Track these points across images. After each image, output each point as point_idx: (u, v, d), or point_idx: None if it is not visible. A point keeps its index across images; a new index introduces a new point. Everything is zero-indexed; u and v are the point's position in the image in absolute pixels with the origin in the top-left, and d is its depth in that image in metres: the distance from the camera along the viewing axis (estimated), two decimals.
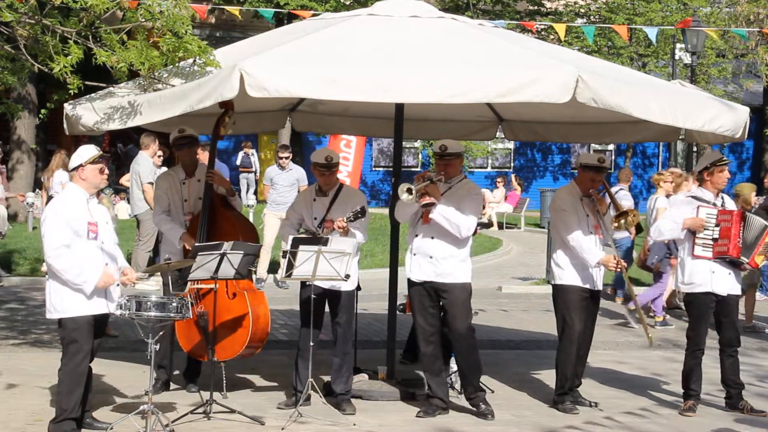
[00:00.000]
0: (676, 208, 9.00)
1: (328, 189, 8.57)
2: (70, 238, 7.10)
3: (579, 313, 8.72)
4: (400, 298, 9.51)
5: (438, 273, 8.28)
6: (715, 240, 8.67)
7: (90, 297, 7.18)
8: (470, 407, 8.40)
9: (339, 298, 8.42)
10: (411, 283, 8.42)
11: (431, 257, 8.28)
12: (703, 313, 8.72)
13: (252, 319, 8.42)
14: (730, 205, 8.91)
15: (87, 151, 7.33)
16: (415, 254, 8.35)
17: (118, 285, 7.37)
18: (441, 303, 8.34)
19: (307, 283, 8.22)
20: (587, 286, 8.74)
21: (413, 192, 7.96)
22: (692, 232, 8.73)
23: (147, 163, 14.40)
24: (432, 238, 8.27)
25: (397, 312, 9.36)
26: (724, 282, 8.70)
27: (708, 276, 8.68)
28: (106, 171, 7.42)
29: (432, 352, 8.37)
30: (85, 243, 7.16)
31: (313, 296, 8.18)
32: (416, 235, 8.33)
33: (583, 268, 8.70)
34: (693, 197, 8.90)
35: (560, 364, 8.77)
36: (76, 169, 7.31)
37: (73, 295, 7.16)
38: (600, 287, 8.89)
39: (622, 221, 8.76)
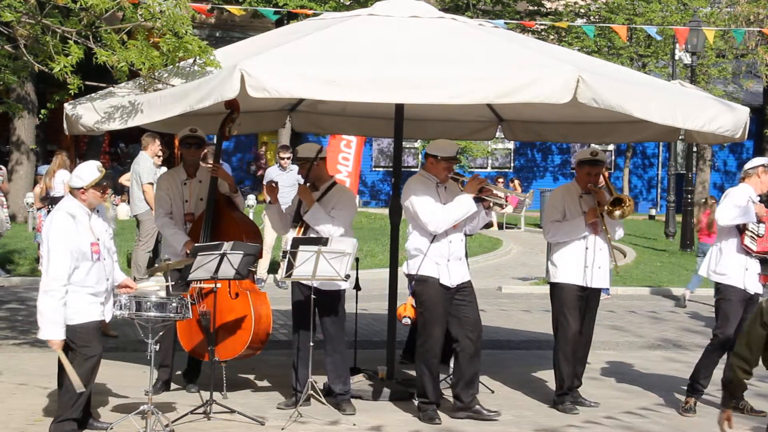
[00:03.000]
0: (735, 200, 8.80)
1: (320, 184, 8.53)
2: (71, 268, 7.06)
3: (573, 311, 8.72)
4: (402, 298, 9.49)
5: (465, 272, 8.34)
6: (760, 236, 8.68)
7: (96, 304, 7.21)
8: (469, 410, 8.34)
9: (325, 298, 8.37)
10: (445, 289, 8.16)
11: (460, 259, 8.28)
12: (734, 310, 8.67)
13: (254, 319, 8.42)
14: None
15: (90, 174, 7.20)
16: (449, 260, 8.18)
17: (112, 292, 7.39)
18: (464, 302, 8.25)
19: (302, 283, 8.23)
20: (582, 283, 8.73)
21: None
22: (737, 226, 8.70)
23: (147, 163, 14.40)
24: (461, 240, 8.31)
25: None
26: (755, 281, 8.71)
27: (741, 272, 8.67)
28: (109, 190, 7.40)
29: (441, 354, 8.35)
30: (88, 263, 7.15)
31: (303, 297, 8.23)
32: (450, 241, 8.19)
33: (578, 265, 8.70)
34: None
35: (557, 363, 8.78)
36: (77, 188, 7.24)
37: (81, 302, 7.15)
38: (597, 285, 8.86)
39: (617, 213, 8.67)
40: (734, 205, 8.66)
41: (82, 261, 7.11)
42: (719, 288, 8.78)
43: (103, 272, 7.27)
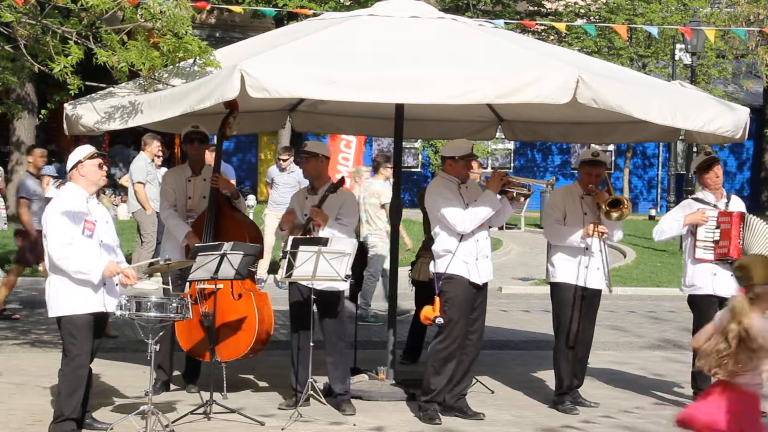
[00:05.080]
0: (678, 209, 9.05)
1: (319, 186, 8.54)
2: (71, 235, 7.09)
3: (572, 311, 8.71)
4: (402, 298, 9.48)
5: (491, 270, 8.41)
6: (716, 242, 8.67)
7: (90, 294, 7.13)
8: (458, 407, 8.35)
9: (325, 298, 8.37)
10: (474, 287, 8.21)
11: (487, 256, 8.36)
12: (705, 315, 8.64)
13: (258, 320, 8.41)
14: (737, 205, 8.90)
15: (84, 149, 7.33)
16: (478, 258, 8.23)
17: (117, 285, 7.35)
18: (478, 302, 8.32)
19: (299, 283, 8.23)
20: (580, 283, 8.71)
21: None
22: (693, 234, 8.74)
23: (140, 162, 14.46)
24: (486, 237, 8.36)
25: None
26: (726, 284, 8.60)
27: (709, 278, 8.68)
28: (105, 167, 7.38)
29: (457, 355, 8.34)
30: (80, 240, 7.13)
31: (301, 298, 8.23)
32: (477, 240, 8.24)
33: (576, 265, 8.69)
34: (694, 199, 8.95)
35: (556, 362, 8.80)
36: (75, 167, 7.28)
37: (73, 293, 7.12)
38: (595, 287, 8.82)
39: (614, 214, 8.62)
40: (670, 219, 9.00)
41: (75, 236, 7.08)
42: (690, 297, 8.91)
43: (98, 253, 7.17)
